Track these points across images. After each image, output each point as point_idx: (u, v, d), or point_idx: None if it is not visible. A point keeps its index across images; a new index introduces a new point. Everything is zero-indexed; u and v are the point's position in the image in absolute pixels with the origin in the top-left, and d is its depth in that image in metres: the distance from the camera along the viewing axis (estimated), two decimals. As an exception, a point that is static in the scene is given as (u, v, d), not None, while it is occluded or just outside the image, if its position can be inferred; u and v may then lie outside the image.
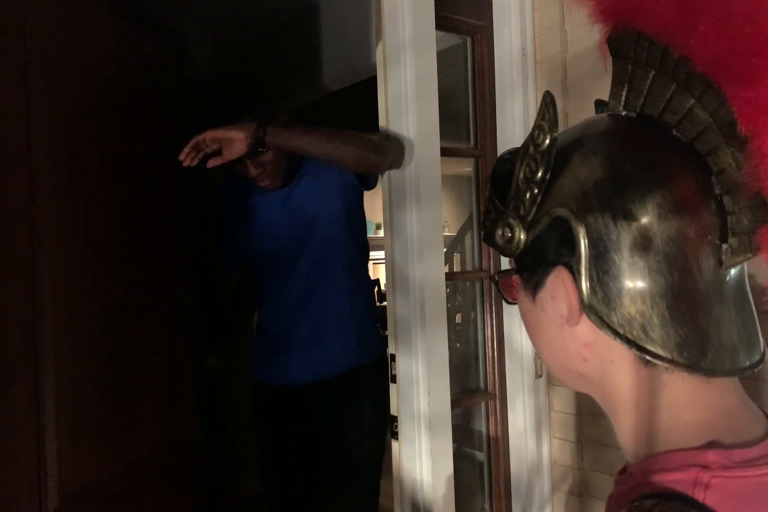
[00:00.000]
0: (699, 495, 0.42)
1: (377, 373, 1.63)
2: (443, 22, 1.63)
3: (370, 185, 1.66)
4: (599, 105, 0.55)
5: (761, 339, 0.49)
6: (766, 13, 0.42)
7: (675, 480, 0.43)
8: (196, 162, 1.39)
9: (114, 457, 1.44)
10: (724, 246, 0.45)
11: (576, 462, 1.72)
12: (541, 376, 1.77)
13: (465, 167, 1.92)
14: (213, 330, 1.95)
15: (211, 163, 1.39)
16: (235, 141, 1.36)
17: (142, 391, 1.55)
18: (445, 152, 1.58)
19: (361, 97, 1.53)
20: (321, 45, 2.37)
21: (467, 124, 1.83)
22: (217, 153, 1.38)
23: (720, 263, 0.46)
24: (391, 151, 1.48)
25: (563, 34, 1.70)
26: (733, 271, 0.47)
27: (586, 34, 1.65)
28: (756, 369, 0.48)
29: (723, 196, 0.45)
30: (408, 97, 1.51)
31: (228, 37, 2.57)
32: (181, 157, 1.36)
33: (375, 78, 1.59)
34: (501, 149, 1.79)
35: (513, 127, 1.77)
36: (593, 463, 1.69)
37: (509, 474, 1.79)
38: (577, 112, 1.65)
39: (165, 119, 1.69)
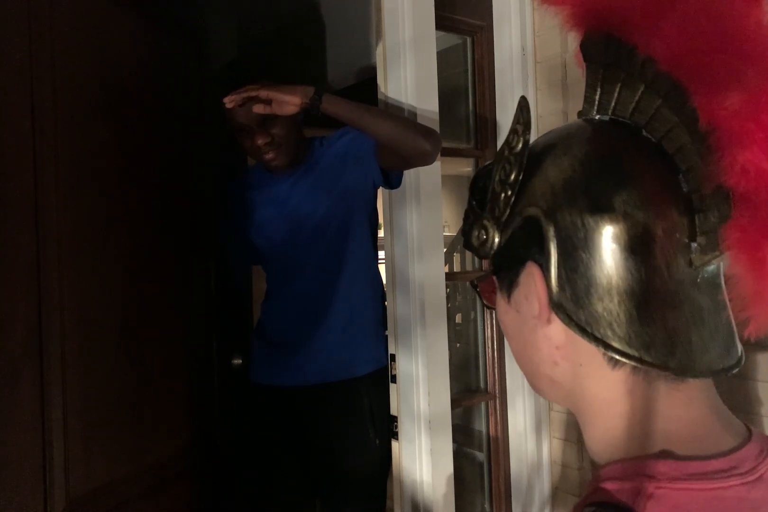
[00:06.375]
0: (639, 506, 0.41)
1: (378, 382, 1.59)
2: (443, 22, 1.63)
3: (394, 184, 1.52)
4: (581, 115, 0.57)
5: (738, 342, 0.49)
6: (723, 10, 0.43)
7: (620, 489, 0.43)
8: (235, 106, 1.38)
9: (127, 460, 1.40)
10: (693, 245, 0.45)
11: (576, 462, 1.72)
12: (541, 376, 1.77)
13: (465, 167, 1.92)
14: (240, 330, 1.90)
15: (257, 109, 1.37)
16: (290, 103, 1.35)
17: (160, 392, 1.51)
18: (445, 152, 1.57)
19: (361, 97, 1.51)
20: (321, 45, 2.37)
21: (467, 124, 1.83)
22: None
23: (690, 263, 0.46)
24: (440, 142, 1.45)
25: (563, 34, 1.70)
26: (707, 273, 0.47)
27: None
28: (731, 373, 0.47)
29: (691, 194, 0.46)
30: (408, 97, 1.51)
31: (247, 35, 2.57)
32: (227, 99, 1.36)
33: (375, 78, 1.59)
34: (501, 149, 1.79)
35: (513, 127, 1.77)
36: (593, 463, 1.69)
37: (509, 474, 1.79)
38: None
39: (186, 116, 1.66)
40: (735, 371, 0.47)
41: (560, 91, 1.70)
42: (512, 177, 0.49)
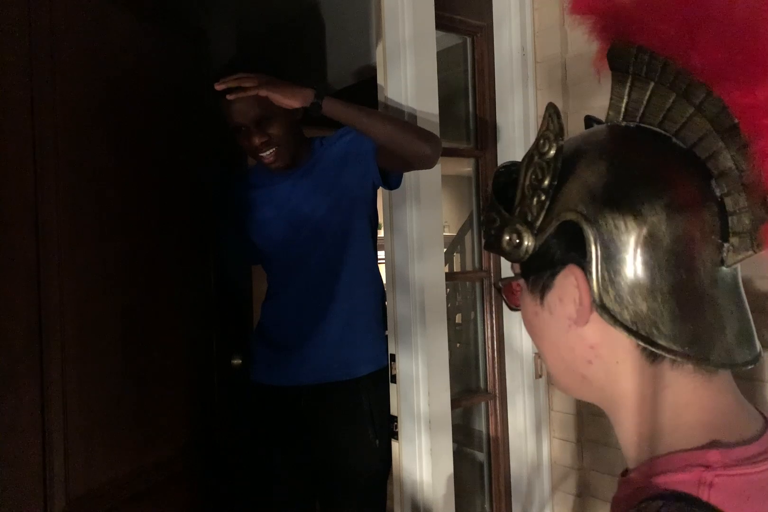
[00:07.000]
0: (703, 495, 0.43)
1: (378, 382, 1.59)
2: (443, 22, 1.63)
3: (393, 185, 1.52)
4: (589, 120, 0.58)
5: (755, 335, 0.51)
6: (763, 23, 0.44)
7: (679, 480, 0.44)
8: (230, 96, 1.36)
9: (127, 459, 1.40)
10: (726, 245, 0.47)
11: (576, 462, 1.72)
12: (541, 376, 1.77)
13: (465, 167, 1.92)
14: (240, 330, 1.89)
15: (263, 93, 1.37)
16: (288, 106, 1.36)
17: (160, 392, 1.52)
18: (445, 152, 1.57)
19: (361, 97, 1.51)
20: (321, 45, 2.37)
21: (467, 124, 1.83)
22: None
23: (721, 262, 0.48)
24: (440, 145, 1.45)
25: (563, 34, 1.70)
26: (732, 271, 0.49)
27: (586, 35, 1.65)
28: (754, 365, 0.50)
29: (724, 197, 0.48)
30: (408, 97, 1.51)
31: (247, 35, 2.56)
32: (219, 86, 1.35)
33: (375, 78, 1.59)
34: (501, 149, 1.80)
35: (513, 127, 1.77)
36: (593, 463, 1.69)
37: (509, 474, 1.79)
38: (577, 112, 1.65)
39: (186, 116, 1.66)
40: (758, 362, 0.50)
41: (560, 91, 1.71)
42: (546, 182, 0.50)
